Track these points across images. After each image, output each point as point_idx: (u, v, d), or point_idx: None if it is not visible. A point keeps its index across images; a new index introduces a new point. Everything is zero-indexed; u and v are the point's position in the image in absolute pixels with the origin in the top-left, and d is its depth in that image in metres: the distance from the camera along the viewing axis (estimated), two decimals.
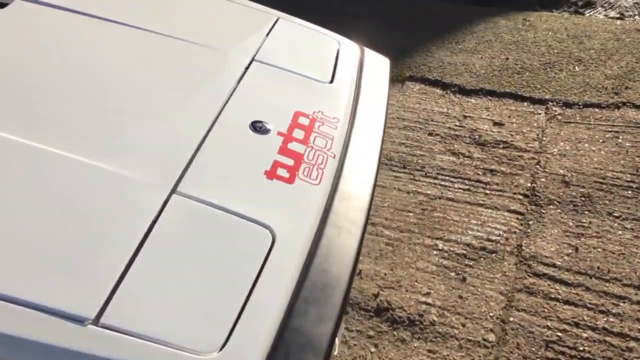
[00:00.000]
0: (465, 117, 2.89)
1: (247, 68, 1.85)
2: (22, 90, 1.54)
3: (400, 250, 2.13)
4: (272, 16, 2.19)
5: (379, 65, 2.22)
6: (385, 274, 2.04)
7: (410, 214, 2.28)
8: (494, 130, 2.80)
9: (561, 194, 2.40)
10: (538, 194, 2.42)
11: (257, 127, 1.62)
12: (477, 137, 2.74)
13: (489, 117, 2.89)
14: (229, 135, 1.60)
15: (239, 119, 1.65)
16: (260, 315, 1.20)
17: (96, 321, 1.09)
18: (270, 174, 1.49)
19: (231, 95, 1.73)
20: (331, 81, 1.91)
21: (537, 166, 2.57)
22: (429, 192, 2.40)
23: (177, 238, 1.28)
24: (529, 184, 2.47)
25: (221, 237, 1.31)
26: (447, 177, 2.48)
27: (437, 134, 2.74)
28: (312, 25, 2.26)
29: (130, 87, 1.69)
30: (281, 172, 1.51)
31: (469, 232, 2.22)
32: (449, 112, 2.92)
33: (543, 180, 2.49)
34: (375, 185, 1.66)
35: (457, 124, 2.83)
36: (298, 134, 1.65)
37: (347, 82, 1.97)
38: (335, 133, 1.69)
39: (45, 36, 1.80)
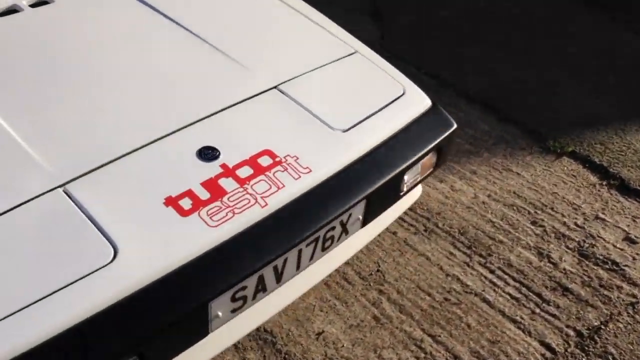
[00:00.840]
0: (596, 218, 2.37)
1: (260, 93, 1.86)
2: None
3: (381, 329, 1.92)
4: (348, 48, 2.11)
5: (435, 128, 1.99)
6: (343, 346, 1.87)
7: (427, 298, 2.02)
8: (617, 245, 2.25)
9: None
10: (598, 339, 1.91)
11: (204, 153, 1.65)
12: (587, 245, 2.24)
13: (625, 229, 2.32)
14: (168, 152, 1.66)
15: (195, 140, 1.69)
16: None
17: None
18: (170, 201, 1.53)
19: (213, 115, 1.77)
20: (346, 130, 1.81)
21: (629, 308, 2.01)
22: (469, 283, 2.08)
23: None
24: (596, 323, 1.95)
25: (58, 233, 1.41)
26: (505, 276, 2.11)
27: (542, 226, 2.32)
28: (389, 66, 2.12)
29: (136, 76, 1.86)
30: (184, 202, 1.52)
31: (472, 345, 1.88)
32: (582, 206, 2.43)
33: (620, 326, 1.95)
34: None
35: (579, 222, 2.35)
36: (244, 172, 1.63)
37: (367, 136, 1.83)
38: (293, 184, 1.62)
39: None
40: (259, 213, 1.54)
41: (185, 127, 1.71)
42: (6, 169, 1.53)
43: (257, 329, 1.94)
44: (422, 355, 1.85)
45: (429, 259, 2.17)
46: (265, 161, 1.66)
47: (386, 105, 1.93)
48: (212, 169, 1.61)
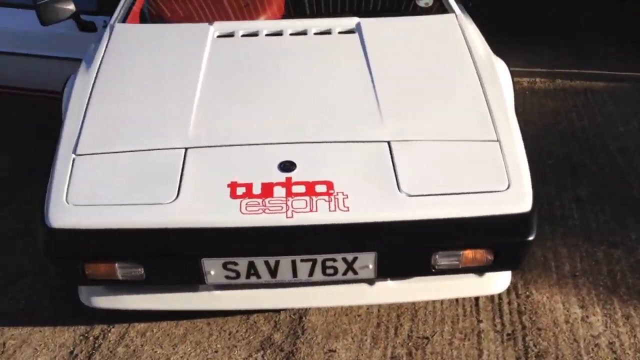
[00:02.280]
0: None
1: (371, 142, 2.15)
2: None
3: None
4: (491, 134, 2.18)
5: (502, 229, 1.98)
6: None
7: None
8: None
9: None
10: None
11: (284, 164, 2.09)
12: None
13: None
14: (265, 153, 2.11)
15: (290, 153, 2.12)
16: None
17: None
18: (232, 185, 2.04)
19: (319, 143, 2.16)
20: (411, 195, 2.00)
21: None
22: None
23: None
24: None
25: None
26: None
27: None
28: (522, 163, 2.11)
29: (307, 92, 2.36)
30: (239, 189, 2.03)
31: None
32: None
33: None
34: None
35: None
36: (298, 188, 2.03)
37: (424, 209, 1.98)
38: (324, 213, 1.95)
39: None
40: (280, 221, 1.94)
41: (296, 143, 2.18)
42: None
43: (298, 320, 2.31)
44: None
45: (480, 356, 2.16)
46: (320, 188, 2.02)
47: (475, 192, 2.02)
48: (278, 177, 2.06)
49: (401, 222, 1.95)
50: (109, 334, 2.29)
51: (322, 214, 1.95)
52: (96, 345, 2.25)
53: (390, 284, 2.15)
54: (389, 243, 1.95)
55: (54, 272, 2.34)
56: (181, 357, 2.19)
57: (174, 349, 2.22)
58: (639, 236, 2.71)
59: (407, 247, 1.96)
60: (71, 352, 2.23)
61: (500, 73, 2.54)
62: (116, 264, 1.94)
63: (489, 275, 2.19)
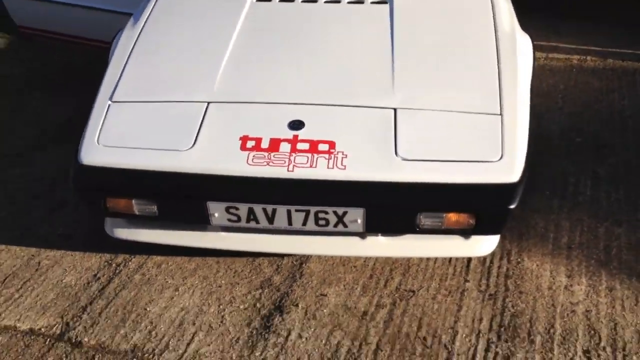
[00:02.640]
0: None
1: (379, 107, 2.30)
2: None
3: (357, 322, 2.23)
4: (495, 107, 2.26)
5: (485, 197, 2.10)
6: (328, 306, 2.28)
7: (419, 335, 2.21)
8: None
9: None
10: None
11: (294, 122, 2.27)
12: None
13: None
14: (279, 111, 2.29)
15: (300, 113, 2.28)
16: None
17: None
18: (243, 138, 2.25)
19: (332, 105, 2.32)
20: (405, 159, 2.15)
21: None
22: (460, 347, 2.15)
23: None
24: None
25: None
26: None
27: None
28: (520, 136, 2.20)
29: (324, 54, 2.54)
30: (249, 143, 2.24)
31: None
32: None
33: None
34: None
35: None
36: (302, 145, 2.22)
37: (416, 172, 2.13)
38: (323, 169, 2.14)
39: None
40: (282, 173, 2.14)
41: (309, 104, 2.35)
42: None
43: (299, 265, 2.52)
44: None
45: (459, 311, 2.31)
46: (323, 147, 2.20)
47: (467, 161, 2.15)
48: (287, 134, 2.24)
49: (390, 182, 2.10)
50: (130, 263, 2.58)
51: (320, 170, 2.13)
52: (117, 271, 2.55)
53: (380, 239, 2.32)
54: (377, 201, 2.12)
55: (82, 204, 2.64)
56: (188, 288, 2.46)
57: (183, 280, 2.49)
58: None
59: (393, 206, 2.12)
60: (95, 275, 2.54)
61: (521, 49, 2.60)
62: (133, 200, 2.21)
63: (475, 238, 2.32)
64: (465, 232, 2.22)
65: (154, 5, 2.91)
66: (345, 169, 2.13)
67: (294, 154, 2.17)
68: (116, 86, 2.47)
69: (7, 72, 4.28)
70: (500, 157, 2.14)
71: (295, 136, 2.22)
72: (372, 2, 2.83)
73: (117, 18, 3.48)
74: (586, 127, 3.45)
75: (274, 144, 2.20)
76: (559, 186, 2.97)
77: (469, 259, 2.53)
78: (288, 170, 2.14)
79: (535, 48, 4.13)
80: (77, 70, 4.28)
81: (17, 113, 3.79)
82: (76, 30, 3.79)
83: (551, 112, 3.60)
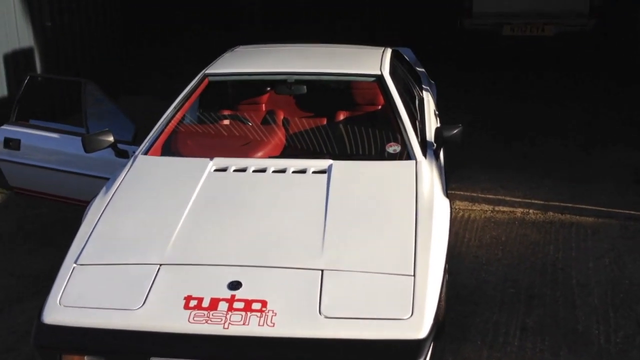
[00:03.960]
0: None
1: (307, 269, 2.62)
2: None
3: None
4: (408, 269, 2.60)
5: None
6: None
7: None
8: None
9: None
10: None
11: (233, 283, 2.59)
12: None
13: None
14: (221, 274, 2.61)
15: (241, 274, 2.61)
16: None
17: None
18: (187, 297, 2.54)
19: (267, 267, 2.64)
20: (328, 317, 2.44)
21: None
22: None
23: None
24: None
25: None
26: None
27: None
28: (430, 297, 2.50)
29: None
30: (192, 302, 2.54)
31: None
32: None
33: None
34: None
35: None
36: (238, 304, 2.52)
37: (335, 330, 2.40)
38: (254, 327, 2.41)
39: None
40: (219, 330, 2.42)
41: (246, 266, 2.69)
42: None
43: None
44: None
45: None
46: (256, 305, 2.50)
47: (380, 319, 2.44)
48: (226, 293, 2.55)
49: (312, 339, 2.39)
50: None
51: (252, 327, 2.42)
52: None
53: None
54: (300, 357, 2.39)
55: None
56: None
57: None
58: None
59: None
60: None
61: (438, 215, 2.97)
62: (85, 357, 2.47)
63: None
64: None
65: (126, 174, 3.33)
66: (274, 326, 2.42)
67: (230, 313, 2.46)
68: (82, 250, 2.81)
69: None
70: (410, 314, 2.43)
71: (233, 296, 2.53)
72: (314, 172, 3.25)
73: (97, 182, 3.90)
74: (521, 278, 3.76)
75: (214, 303, 2.50)
76: (490, 336, 3.23)
77: None
78: (224, 328, 2.42)
79: (483, 201, 4.58)
80: (66, 223, 4.67)
81: (2, 264, 4.11)
82: (61, 191, 4.20)
83: (490, 264, 3.93)
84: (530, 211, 4.67)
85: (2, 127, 4.33)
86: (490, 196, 4.89)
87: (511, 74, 8.32)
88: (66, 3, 7.03)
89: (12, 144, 4.24)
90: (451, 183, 4.95)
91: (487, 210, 4.67)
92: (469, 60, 8.78)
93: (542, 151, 5.81)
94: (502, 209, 4.69)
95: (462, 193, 4.93)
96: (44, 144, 4.18)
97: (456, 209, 4.67)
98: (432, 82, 5.52)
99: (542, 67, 8.57)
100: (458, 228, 4.40)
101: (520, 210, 4.69)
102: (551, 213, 4.63)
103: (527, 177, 5.19)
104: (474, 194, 4.92)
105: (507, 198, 4.87)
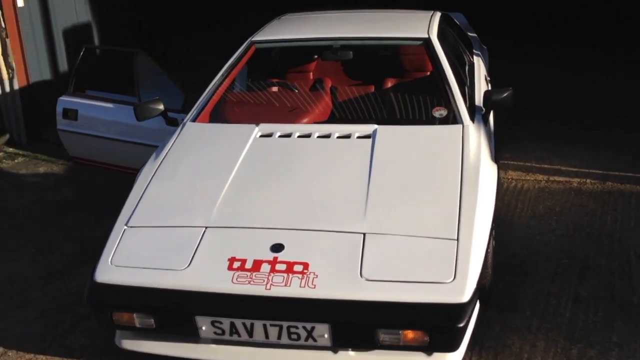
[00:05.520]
0: None
1: (350, 232, 2.61)
2: None
3: None
4: (452, 233, 2.56)
5: (435, 315, 2.35)
6: None
7: None
8: None
9: None
10: None
11: (276, 245, 2.62)
12: None
13: None
14: (265, 235, 2.63)
15: (284, 237, 2.63)
16: None
17: None
18: (231, 259, 2.59)
19: (309, 230, 2.65)
20: (370, 280, 2.44)
21: None
22: None
23: None
24: None
25: None
26: None
27: None
28: (474, 260, 2.47)
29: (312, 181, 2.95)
30: (236, 263, 2.59)
31: None
32: None
33: None
34: None
35: None
36: (280, 266, 2.56)
37: (379, 292, 2.40)
38: (296, 288, 2.44)
39: None
40: (261, 291, 2.46)
41: (290, 229, 2.70)
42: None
43: None
44: None
45: None
46: (298, 267, 2.52)
47: (422, 282, 2.42)
48: (268, 255, 2.58)
49: (353, 301, 2.39)
50: None
51: (293, 289, 2.44)
52: None
53: (350, 354, 2.56)
54: (340, 318, 2.39)
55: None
56: None
57: None
58: (620, 339, 2.88)
59: (354, 322, 2.39)
60: None
61: (484, 179, 2.90)
62: (134, 314, 2.55)
63: (438, 355, 2.52)
64: (422, 349, 2.44)
65: (174, 141, 3.39)
66: (315, 287, 2.44)
67: (272, 274, 2.49)
68: (132, 213, 2.89)
69: (59, 196, 4.84)
70: (452, 278, 2.40)
71: (275, 257, 2.55)
72: (358, 137, 3.23)
73: (150, 150, 3.98)
74: (575, 249, 3.65)
75: (257, 265, 2.53)
76: (540, 307, 3.15)
77: None
78: (266, 289, 2.45)
79: (538, 171, 4.45)
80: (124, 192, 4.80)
81: (62, 231, 4.27)
82: (117, 160, 4.32)
83: (543, 234, 3.82)
84: (588, 181, 4.50)
85: (61, 97, 4.47)
86: (546, 166, 4.74)
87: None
88: None
89: (70, 114, 4.38)
90: (504, 153, 4.85)
91: (541, 180, 4.53)
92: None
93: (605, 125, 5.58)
94: (557, 179, 4.54)
95: (515, 163, 4.79)
96: (99, 113, 4.30)
97: (509, 179, 4.55)
98: (484, 47, 5.36)
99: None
100: (510, 198, 4.30)
101: (576, 180, 4.53)
102: (610, 183, 4.45)
103: (584, 146, 5.00)
104: (528, 164, 4.78)
105: (563, 168, 4.70)
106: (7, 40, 5.80)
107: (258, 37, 4.13)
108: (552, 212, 4.09)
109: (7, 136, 6.04)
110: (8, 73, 5.88)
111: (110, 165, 4.42)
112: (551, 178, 4.57)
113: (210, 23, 9.76)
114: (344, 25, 4.34)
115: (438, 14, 4.42)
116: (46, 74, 6.36)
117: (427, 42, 3.81)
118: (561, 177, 4.57)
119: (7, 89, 5.92)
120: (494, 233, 3.07)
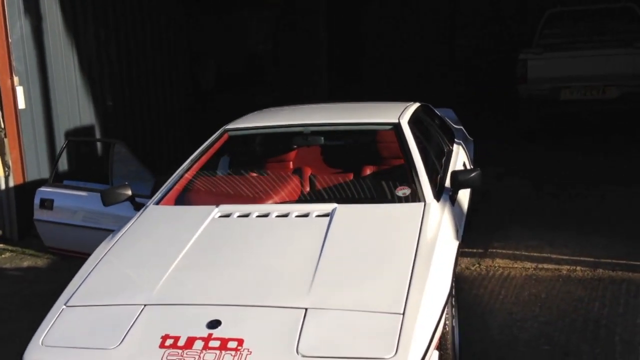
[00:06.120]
0: None
1: (292, 308, 2.47)
2: None
3: None
4: (399, 307, 2.40)
5: None
6: None
7: None
8: None
9: None
10: None
11: (213, 322, 2.48)
12: None
13: None
14: (204, 313, 2.50)
15: (220, 313, 2.49)
16: None
17: None
18: (164, 336, 2.46)
19: (251, 306, 2.52)
20: (305, 356, 2.27)
21: None
22: None
23: None
24: None
25: None
26: None
27: None
28: (411, 335, 2.31)
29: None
30: (169, 341, 2.46)
31: None
32: None
33: None
34: None
35: None
36: (214, 343, 2.42)
37: None
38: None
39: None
40: None
41: (229, 305, 2.57)
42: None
43: None
44: None
45: None
46: (232, 344, 2.38)
47: (364, 358, 2.26)
48: (203, 332, 2.44)
49: None
50: None
51: None
52: None
53: None
54: None
55: None
56: None
57: None
58: None
59: None
60: None
61: (440, 256, 2.77)
62: None
63: None
64: None
65: (133, 223, 3.34)
66: None
67: (204, 351, 2.34)
68: (74, 292, 2.79)
69: (36, 288, 4.77)
70: (394, 353, 2.22)
71: (210, 334, 2.41)
72: (317, 216, 3.14)
73: None
74: (557, 335, 3.40)
75: (189, 342, 2.39)
76: None
77: None
78: None
79: (526, 259, 4.28)
80: None
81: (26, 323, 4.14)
82: (88, 248, 4.26)
83: (524, 320, 3.59)
84: (578, 268, 4.28)
85: (39, 189, 4.52)
86: (535, 254, 4.54)
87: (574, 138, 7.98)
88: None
89: (46, 204, 4.40)
90: (494, 242, 4.71)
91: (529, 268, 4.33)
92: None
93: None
94: (546, 267, 4.34)
95: (503, 251, 4.62)
96: (72, 202, 4.32)
97: (495, 267, 4.37)
98: (470, 138, 5.34)
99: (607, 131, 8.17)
100: (494, 285, 4.09)
101: (566, 267, 4.31)
102: (601, 270, 4.23)
103: (576, 233, 4.83)
104: (517, 252, 4.60)
105: (553, 256, 4.51)
106: (6, 140, 5.96)
107: (231, 125, 4.18)
108: (537, 299, 3.87)
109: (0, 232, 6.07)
110: (4, 171, 5.99)
111: (83, 253, 4.36)
112: (539, 266, 4.37)
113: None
114: (317, 113, 4.39)
115: (416, 104, 4.46)
116: (45, 173, 6.47)
117: (397, 127, 3.81)
118: (550, 265, 4.36)
119: (2, 186, 6.02)
120: (454, 312, 2.88)
